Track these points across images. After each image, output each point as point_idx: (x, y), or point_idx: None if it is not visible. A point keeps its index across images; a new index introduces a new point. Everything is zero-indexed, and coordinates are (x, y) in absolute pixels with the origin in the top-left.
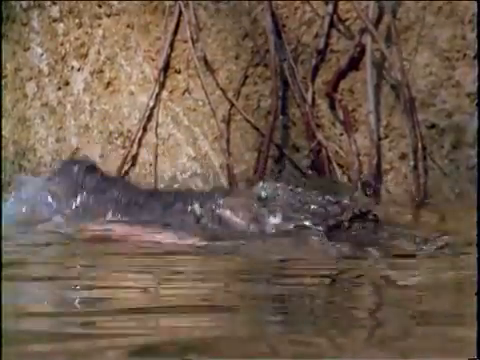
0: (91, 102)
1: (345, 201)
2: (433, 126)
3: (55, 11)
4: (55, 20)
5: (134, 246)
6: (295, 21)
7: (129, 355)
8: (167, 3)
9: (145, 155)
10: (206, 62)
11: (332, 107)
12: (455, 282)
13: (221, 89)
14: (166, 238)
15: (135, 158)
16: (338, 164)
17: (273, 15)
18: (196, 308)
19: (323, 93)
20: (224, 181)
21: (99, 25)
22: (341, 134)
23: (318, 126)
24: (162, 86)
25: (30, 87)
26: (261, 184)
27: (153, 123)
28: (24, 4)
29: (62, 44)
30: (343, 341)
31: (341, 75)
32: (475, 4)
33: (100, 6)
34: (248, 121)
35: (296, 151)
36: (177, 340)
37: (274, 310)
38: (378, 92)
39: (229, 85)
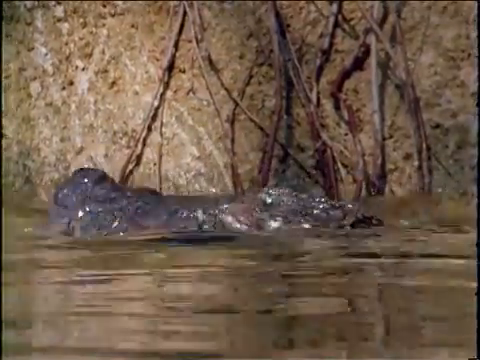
0: (95, 102)
1: (349, 206)
2: (438, 126)
3: (59, 11)
4: (59, 20)
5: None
6: (300, 21)
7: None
8: (171, 3)
9: (149, 155)
10: (210, 62)
11: (337, 107)
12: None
13: (225, 89)
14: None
15: (139, 158)
16: (343, 164)
17: (277, 15)
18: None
19: (328, 93)
20: (228, 181)
21: (103, 25)
22: (346, 134)
23: (323, 126)
24: (166, 86)
25: (34, 87)
26: (266, 190)
27: (157, 123)
28: (28, 4)
29: (66, 44)
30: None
31: (346, 75)
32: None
33: (104, 6)
34: (252, 121)
35: (301, 151)
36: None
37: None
38: (383, 92)
39: (233, 85)
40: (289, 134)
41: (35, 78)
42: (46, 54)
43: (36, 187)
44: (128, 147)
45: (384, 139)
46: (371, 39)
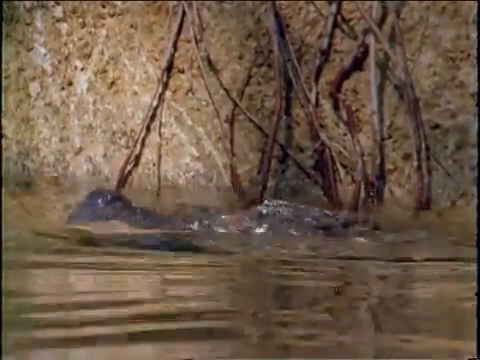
0: (94, 102)
1: (341, 214)
2: (437, 126)
3: (59, 11)
4: (58, 20)
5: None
6: (299, 21)
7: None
8: (170, 3)
9: (148, 155)
10: (210, 62)
11: (336, 107)
12: None
13: (225, 89)
14: None
15: (138, 158)
16: (342, 164)
17: (277, 15)
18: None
19: (327, 93)
20: (227, 181)
21: (103, 25)
22: (345, 134)
23: (322, 126)
24: (165, 86)
25: (33, 87)
26: (265, 202)
27: (156, 123)
28: (28, 4)
29: (65, 44)
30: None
31: (345, 75)
32: (477, 4)
33: (104, 6)
34: (252, 121)
35: (300, 151)
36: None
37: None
38: (382, 92)
39: (233, 85)
40: (288, 134)
41: (34, 78)
42: (45, 54)
43: (36, 187)
44: (127, 147)
45: (383, 139)
46: (370, 39)
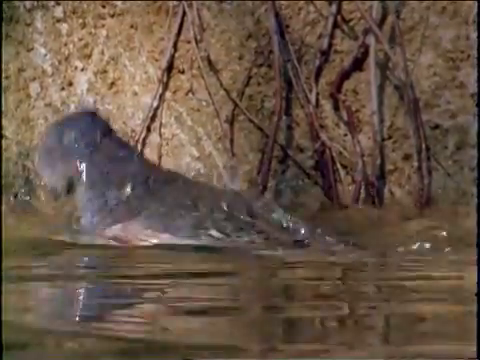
0: (95, 102)
1: (300, 226)
2: (437, 127)
3: (59, 11)
4: (59, 20)
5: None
6: (299, 21)
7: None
8: (171, 3)
9: (149, 155)
10: (210, 62)
11: (336, 108)
12: None
13: (225, 89)
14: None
15: None
16: (342, 164)
17: (277, 15)
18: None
19: (327, 94)
20: (227, 182)
21: (103, 25)
22: (345, 135)
23: (322, 127)
24: (166, 86)
25: (33, 87)
26: None
27: (157, 123)
28: (28, 4)
29: (66, 44)
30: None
31: (345, 76)
32: (477, 4)
33: (104, 6)
34: (252, 121)
35: (300, 152)
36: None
37: None
38: (382, 93)
39: (233, 85)
40: (288, 135)
41: (34, 79)
42: (45, 55)
43: (36, 188)
44: None
45: (383, 140)
46: (370, 40)
